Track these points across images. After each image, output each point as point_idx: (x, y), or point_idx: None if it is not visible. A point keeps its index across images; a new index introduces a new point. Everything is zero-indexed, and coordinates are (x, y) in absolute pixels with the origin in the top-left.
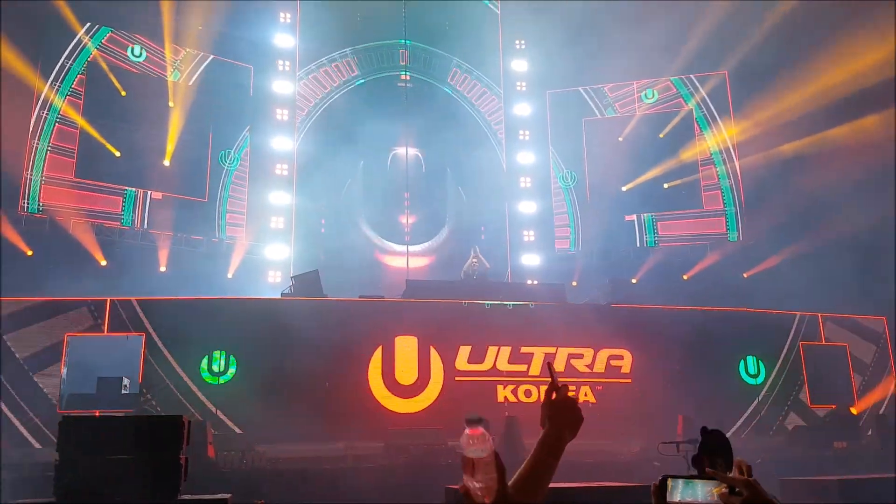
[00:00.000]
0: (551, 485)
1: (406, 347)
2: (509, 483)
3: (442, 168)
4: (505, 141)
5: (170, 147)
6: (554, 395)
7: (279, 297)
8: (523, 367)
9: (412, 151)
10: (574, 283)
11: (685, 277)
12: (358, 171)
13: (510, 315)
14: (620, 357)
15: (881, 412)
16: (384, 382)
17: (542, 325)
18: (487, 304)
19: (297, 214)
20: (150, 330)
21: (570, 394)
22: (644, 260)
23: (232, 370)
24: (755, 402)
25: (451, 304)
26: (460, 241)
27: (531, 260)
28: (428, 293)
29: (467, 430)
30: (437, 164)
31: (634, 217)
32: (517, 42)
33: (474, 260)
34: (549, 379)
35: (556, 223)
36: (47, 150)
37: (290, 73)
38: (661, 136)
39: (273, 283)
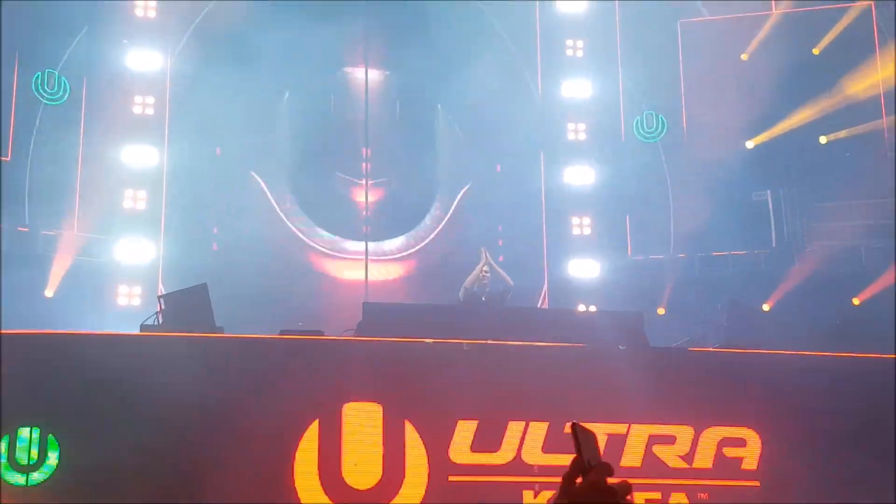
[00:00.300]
0: None
1: (362, 422)
2: None
3: (429, 105)
4: (541, 59)
5: None
6: (580, 480)
7: (136, 332)
8: (568, 460)
9: (375, 75)
10: (661, 311)
11: (856, 302)
12: (279, 111)
13: (546, 366)
14: (741, 442)
15: None
16: (322, 484)
17: (602, 385)
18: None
19: (172, 187)
20: None
21: (609, 480)
22: (785, 271)
23: (51, 461)
24: None
25: (442, 345)
26: (459, 235)
27: (585, 269)
28: (401, 326)
29: None
30: (421, 99)
31: (768, 195)
32: None
33: (484, 271)
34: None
35: (632, 204)
36: None
37: None
38: (814, 51)
39: (126, 305)
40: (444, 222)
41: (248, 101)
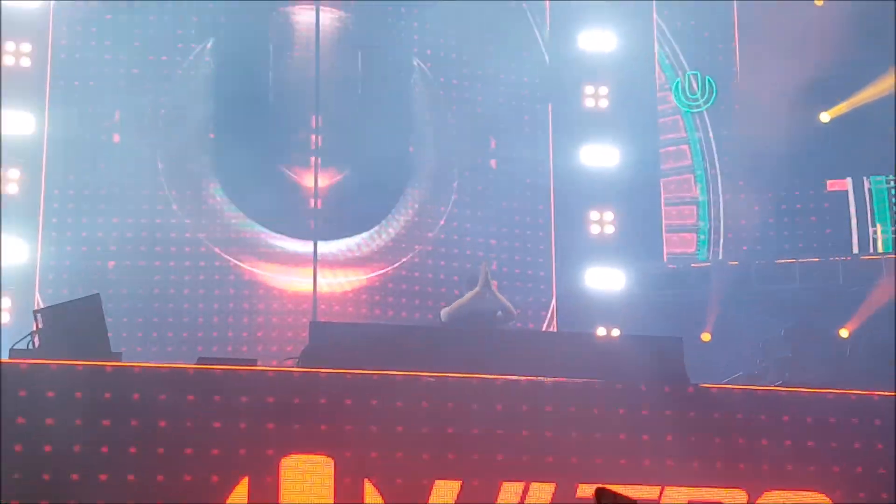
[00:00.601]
0: None
1: (306, 481)
2: None
3: (401, 59)
4: (549, 7)
5: None
6: None
7: (3, 358)
8: None
9: (328, 17)
10: (706, 337)
11: None
12: (197, 66)
13: (553, 408)
14: None
15: None
16: None
17: (627, 434)
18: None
19: (53, 165)
20: None
21: None
22: (870, 286)
23: None
24: None
25: (415, 380)
26: (441, 232)
27: (606, 281)
28: (361, 353)
29: None
30: (390, 51)
31: (849, 185)
32: None
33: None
34: None
35: (668, 195)
36: None
37: None
38: None
39: None
40: (419, 215)
41: (156, 52)
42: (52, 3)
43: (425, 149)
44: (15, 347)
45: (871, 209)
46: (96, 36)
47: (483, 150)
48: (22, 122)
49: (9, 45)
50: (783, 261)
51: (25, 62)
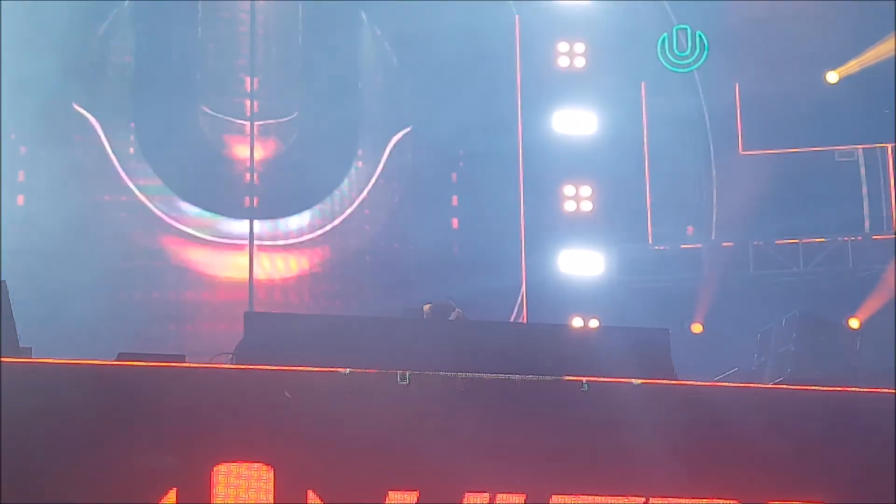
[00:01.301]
0: None
1: (241, 492)
2: None
3: (348, 12)
4: None
5: None
6: None
7: None
8: None
9: None
10: (697, 328)
11: None
12: (116, 16)
13: (522, 409)
14: None
15: None
16: None
17: (607, 439)
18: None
19: None
20: None
21: None
22: (882, 269)
23: None
24: None
25: (365, 377)
26: (394, 211)
27: (583, 265)
28: (303, 348)
29: None
30: (332, 3)
31: (859, 155)
32: None
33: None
34: None
35: (654, 167)
36: None
37: None
38: None
39: None
40: (370, 192)
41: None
42: None
43: (376, 117)
44: None
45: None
46: None
47: (441, 115)
48: None
49: None
50: (784, 241)
51: None
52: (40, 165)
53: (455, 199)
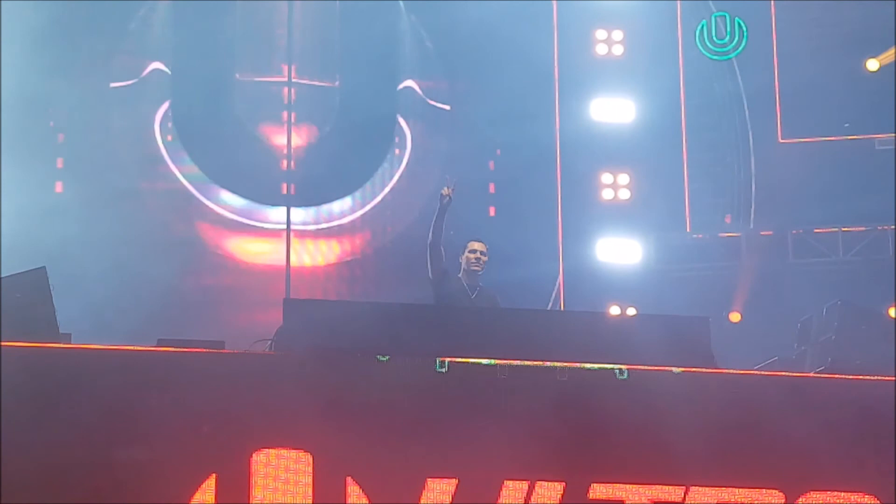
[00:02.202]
0: None
1: (281, 479)
2: None
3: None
4: None
5: None
6: None
7: None
8: None
9: None
10: (735, 317)
11: None
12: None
13: (561, 397)
14: None
15: None
16: None
17: (646, 427)
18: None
19: None
20: None
21: None
22: None
23: None
24: None
25: (403, 364)
26: (431, 198)
27: (621, 253)
28: (341, 335)
29: None
30: None
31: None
32: None
33: (478, 255)
34: None
35: (692, 155)
36: None
37: None
38: None
39: None
40: (407, 179)
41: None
42: None
43: (414, 103)
44: None
45: None
46: None
47: (479, 105)
48: None
49: None
50: (823, 230)
51: None
52: (78, 152)
53: (492, 187)
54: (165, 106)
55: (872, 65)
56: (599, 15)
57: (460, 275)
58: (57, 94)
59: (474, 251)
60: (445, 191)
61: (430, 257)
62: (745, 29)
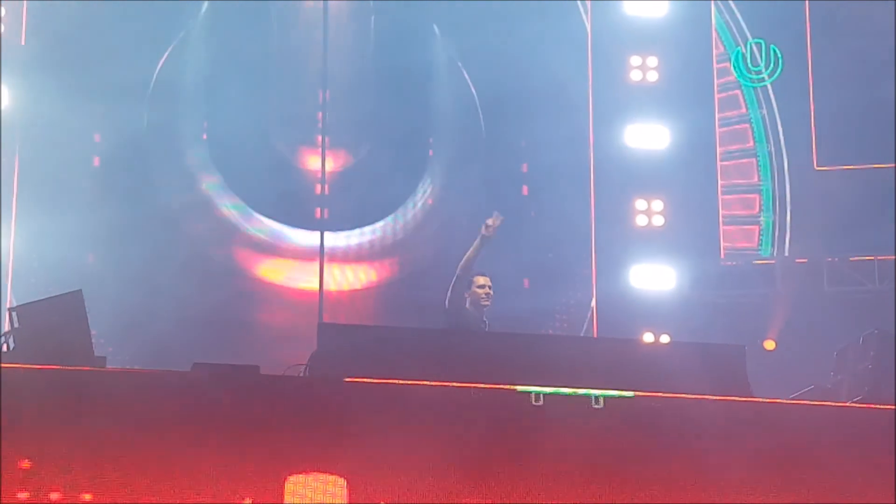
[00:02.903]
0: None
1: (317, 501)
2: None
3: (420, 28)
4: None
5: None
6: None
7: None
8: None
9: None
10: (770, 345)
11: None
12: (189, 31)
13: (595, 425)
14: None
15: None
16: None
17: (679, 458)
18: (536, 394)
19: (22, 140)
20: None
21: None
22: None
23: None
24: None
25: (439, 390)
26: (466, 221)
27: (655, 280)
28: (376, 360)
29: None
30: (407, 18)
31: None
32: None
33: (485, 290)
34: None
35: (726, 181)
36: None
37: None
38: None
39: None
40: (440, 203)
41: (141, 16)
42: None
43: (447, 127)
44: None
45: None
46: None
47: (511, 130)
48: None
49: None
50: (859, 257)
51: None
52: (115, 177)
53: (532, 212)
54: (200, 129)
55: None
56: (634, 41)
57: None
58: (95, 118)
59: (482, 286)
60: (491, 221)
61: (455, 286)
62: (780, 56)
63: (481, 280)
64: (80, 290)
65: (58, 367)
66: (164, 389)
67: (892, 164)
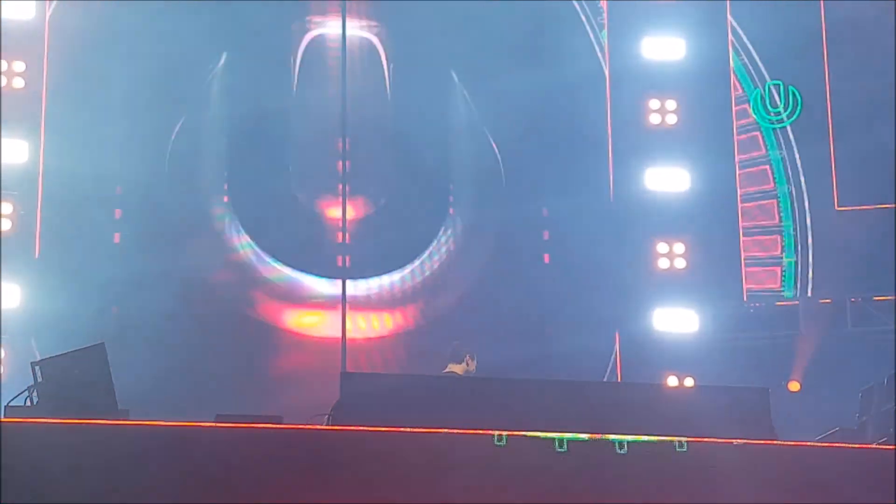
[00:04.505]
0: None
1: None
2: None
3: (439, 76)
4: (607, 7)
5: None
6: None
7: (1, 417)
8: None
9: (358, 24)
10: (794, 387)
11: None
12: (210, 84)
13: (621, 469)
14: None
15: None
16: None
17: (711, 500)
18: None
19: (50, 197)
20: None
21: None
22: None
23: None
24: None
25: (463, 437)
26: (487, 266)
27: (678, 323)
28: (404, 409)
29: None
30: (426, 66)
31: None
32: None
33: (472, 363)
34: None
35: (748, 223)
36: None
37: None
38: None
39: None
40: (461, 251)
41: (163, 70)
42: (47, 12)
43: (466, 173)
44: (11, 404)
45: None
46: (98, 53)
47: (532, 175)
48: (14, 150)
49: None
50: (882, 297)
51: (18, 82)
52: (134, 226)
53: (546, 257)
54: (222, 179)
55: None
56: (652, 84)
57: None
58: (116, 172)
59: (471, 363)
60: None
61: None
62: (799, 97)
63: (472, 362)
64: (103, 343)
65: (82, 420)
66: (187, 442)
67: None
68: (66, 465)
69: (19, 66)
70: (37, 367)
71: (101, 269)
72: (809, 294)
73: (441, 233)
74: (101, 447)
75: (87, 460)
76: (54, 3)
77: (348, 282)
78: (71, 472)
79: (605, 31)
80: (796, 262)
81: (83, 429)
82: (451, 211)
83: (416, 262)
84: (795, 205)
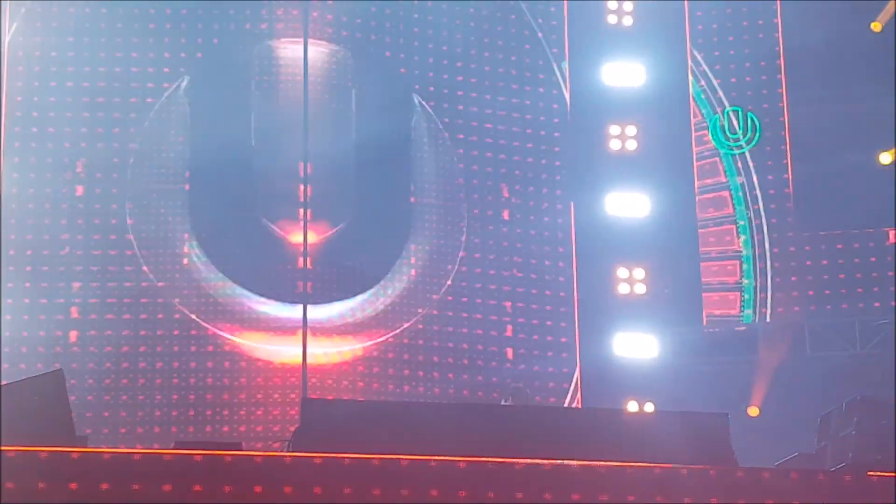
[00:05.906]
0: None
1: None
2: None
3: (401, 97)
4: (570, 31)
5: None
6: None
7: None
8: None
9: (319, 48)
10: (753, 412)
11: None
12: (171, 106)
13: (581, 495)
14: None
15: None
16: None
17: None
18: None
19: (8, 222)
20: None
21: None
22: None
23: None
24: None
25: (421, 463)
26: (444, 295)
27: (638, 347)
28: (364, 436)
29: None
30: (389, 87)
31: None
32: None
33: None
34: None
35: (707, 248)
36: None
37: None
38: None
39: None
40: (422, 275)
41: (124, 93)
42: (4, 35)
43: (428, 198)
44: None
45: None
46: (56, 74)
47: (494, 199)
48: None
49: None
50: (840, 321)
51: None
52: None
53: (509, 283)
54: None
55: (885, 158)
56: (612, 110)
57: None
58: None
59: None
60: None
61: None
62: (757, 123)
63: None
64: (61, 368)
65: (39, 448)
66: (147, 469)
67: (871, 229)
68: (24, 493)
69: None
70: None
71: (60, 292)
72: (768, 319)
73: (403, 256)
74: (59, 476)
75: (45, 489)
76: (14, 25)
77: (310, 306)
78: (27, 500)
79: (566, 60)
80: (755, 287)
81: (40, 456)
82: (413, 234)
83: (378, 287)
84: (754, 230)
